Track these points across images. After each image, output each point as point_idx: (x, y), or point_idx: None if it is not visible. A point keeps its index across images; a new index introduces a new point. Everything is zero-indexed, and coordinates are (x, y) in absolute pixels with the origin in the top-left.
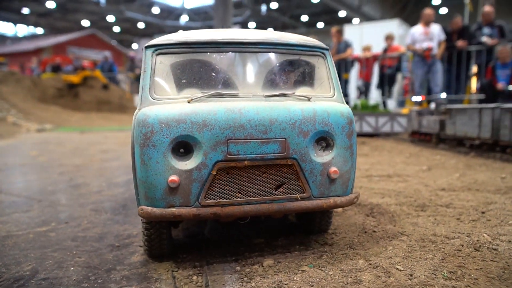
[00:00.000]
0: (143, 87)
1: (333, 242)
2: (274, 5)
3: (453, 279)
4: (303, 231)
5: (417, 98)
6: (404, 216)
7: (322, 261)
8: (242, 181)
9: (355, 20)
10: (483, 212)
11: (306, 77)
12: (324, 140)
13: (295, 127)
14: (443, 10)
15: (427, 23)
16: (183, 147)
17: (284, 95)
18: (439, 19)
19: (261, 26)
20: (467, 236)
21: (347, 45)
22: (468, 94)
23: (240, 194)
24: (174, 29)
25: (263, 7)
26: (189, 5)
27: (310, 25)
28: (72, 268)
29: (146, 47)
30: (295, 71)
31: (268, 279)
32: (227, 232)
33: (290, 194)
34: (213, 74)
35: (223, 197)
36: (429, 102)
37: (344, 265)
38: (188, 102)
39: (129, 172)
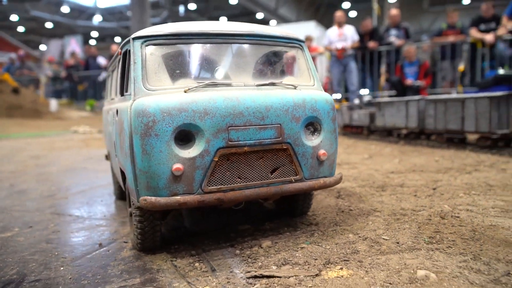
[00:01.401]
0: (135, 78)
1: (318, 222)
2: (192, 6)
3: (434, 243)
4: (285, 214)
5: (337, 96)
6: (370, 196)
7: (315, 238)
8: (241, 167)
9: (272, 22)
10: (434, 189)
11: (289, 67)
12: (312, 125)
13: (288, 113)
14: (353, 14)
15: (340, 25)
16: (183, 135)
17: (273, 84)
18: (349, 21)
19: None
20: (430, 208)
21: None
22: (380, 91)
23: (239, 179)
24: (87, 30)
25: (181, 8)
26: (102, 4)
27: None
28: (61, 268)
29: (134, 39)
30: (279, 62)
31: (271, 258)
32: (208, 222)
33: (285, 177)
34: (205, 64)
35: (224, 183)
36: (346, 99)
37: (337, 240)
38: (185, 91)
39: (75, 176)
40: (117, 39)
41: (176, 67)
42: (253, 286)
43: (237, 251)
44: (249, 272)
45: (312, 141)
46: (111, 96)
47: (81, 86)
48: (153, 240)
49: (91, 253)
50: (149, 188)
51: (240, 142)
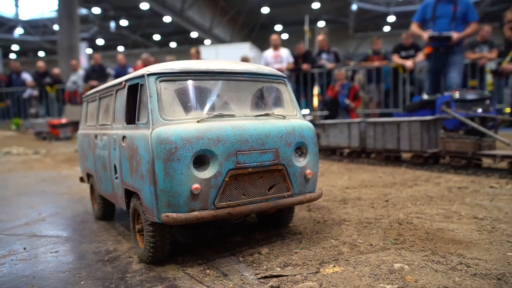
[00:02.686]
0: (153, 109)
1: (301, 231)
2: (124, 23)
3: (399, 243)
4: (269, 226)
5: None
6: (335, 208)
7: (304, 244)
8: (245, 185)
9: (207, 41)
10: (386, 201)
11: (275, 100)
12: (299, 149)
13: (283, 139)
14: (284, 36)
15: (275, 48)
16: (198, 159)
17: (267, 115)
18: (282, 44)
19: (110, 43)
20: (388, 216)
21: None
22: (314, 111)
23: (244, 196)
24: (7, 43)
25: (112, 24)
26: (24, 16)
27: (163, 44)
28: (82, 282)
29: (148, 75)
30: (270, 95)
31: (273, 262)
32: (199, 236)
33: (279, 193)
34: (211, 97)
35: (232, 199)
36: None
37: (323, 245)
38: (198, 122)
39: (38, 199)
40: (41, 53)
41: (187, 100)
42: (266, 285)
43: (240, 259)
44: (258, 274)
45: (300, 162)
46: (103, 122)
47: (3, 103)
48: (163, 252)
49: (101, 268)
50: (170, 205)
51: (246, 164)
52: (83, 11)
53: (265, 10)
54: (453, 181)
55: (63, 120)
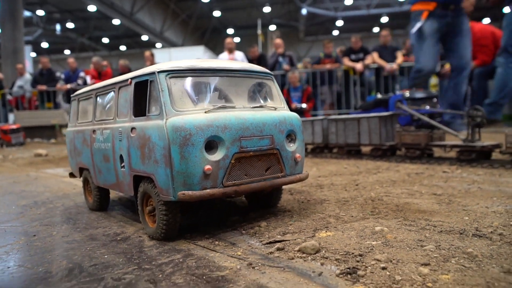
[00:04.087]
0: (165, 102)
1: (290, 209)
2: (70, 25)
3: (375, 214)
4: (258, 207)
5: None
6: (314, 192)
7: (295, 218)
8: (247, 167)
9: (158, 45)
10: (356, 185)
11: (267, 94)
12: (289, 136)
13: (277, 127)
14: (236, 40)
15: (230, 51)
16: (208, 144)
17: (261, 107)
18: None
19: (56, 47)
20: (361, 196)
21: None
22: None
23: (246, 176)
24: None
25: (58, 26)
26: None
27: (112, 47)
28: (105, 256)
29: (159, 72)
30: (262, 90)
31: (273, 232)
32: (199, 219)
33: (275, 174)
34: (214, 91)
35: (237, 179)
36: None
37: (312, 218)
38: (205, 112)
39: (22, 197)
40: None
41: (193, 94)
42: (273, 247)
43: (243, 231)
44: (262, 241)
45: (291, 147)
46: (103, 117)
47: None
48: (174, 229)
49: (117, 245)
50: (185, 185)
51: (247, 148)
52: (27, 13)
53: (216, 13)
54: (410, 168)
55: (15, 126)
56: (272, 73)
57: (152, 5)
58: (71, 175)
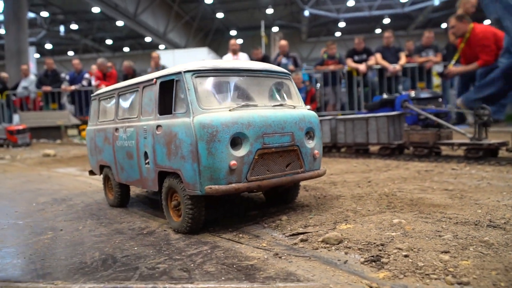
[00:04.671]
0: (192, 101)
1: (307, 204)
2: (74, 26)
3: (391, 208)
4: (276, 202)
5: None
6: (328, 188)
7: (315, 212)
8: (269, 163)
9: (161, 46)
10: (369, 182)
11: (286, 93)
12: (308, 134)
13: (297, 125)
14: (239, 41)
15: (234, 52)
16: (233, 141)
17: (282, 105)
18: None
19: (60, 48)
20: (375, 192)
21: None
22: None
23: (268, 172)
24: None
25: (62, 28)
26: None
27: (116, 49)
28: (135, 248)
29: (185, 72)
30: (281, 89)
31: (294, 225)
32: (219, 214)
33: (295, 170)
34: (237, 90)
35: (259, 174)
36: None
37: (330, 212)
38: (230, 110)
39: (38, 195)
40: None
41: (218, 92)
42: (296, 239)
43: (265, 225)
44: (285, 233)
45: (310, 144)
46: (126, 116)
47: None
48: (199, 223)
49: (144, 238)
50: (211, 179)
51: (270, 145)
52: (31, 14)
53: (219, 15)
54: (420, 166)
55: (21, 126)
56: (290, 73)
57: (156, 7)
58: (91, 172)
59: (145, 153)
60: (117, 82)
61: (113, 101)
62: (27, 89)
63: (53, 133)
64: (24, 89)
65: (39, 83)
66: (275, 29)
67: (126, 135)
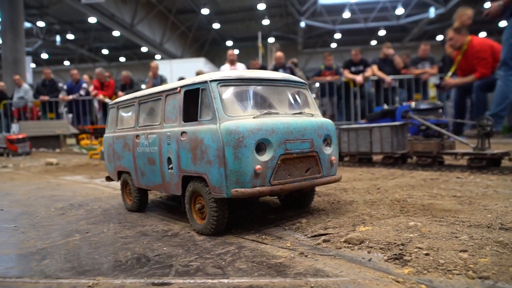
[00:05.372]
0: (218, 109)
1: (323, 209)
2: (70, 36)
3: (405, 213)
4: (293, 207)
5: None
6: (340, 194)
7: (332, 216)
8: (290, 168)
9: (157, 56)
10: (378, 189)
11: (304, 101)
12: (325, 140)
13: (316, 132)
14: (235, 52)
15: (232, 63)
16: (257, 147)
17: (301, 113)
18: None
19: (55, 58)
20: (387, 197)
21: (162, 80)
22: None
23: (289, 176)
24: None
25: (58, 38)
26: None
27: (112, 59)
28: (164, 248)
29: (211, 81)
30: (299, 98)
31: (314, 227)
32: (238, 218)
33: (314, 175)
34: (259, 99)
35: (282, 179)
36: None
37: (347, 215)
38: (254, 118)
39: (52, 202)
40: None
41: (242, 101)
42: (319, 239)
43: (285, 227)
44: (306, 234)
45: (327, 150)
46: (148, 123)
47: None
48: (223, 225)
49: (170, 240)
50: (237, 183)
51: (291, 150)
52: (27, 24)
53: (215, 26)
54: (424, 175)
55: (21, 135)
56: (306, 82)
57: (152, 17)
58: (108, 178)
59: (168, 159)
60: (115, 91)
61: (134, 109)
62: (23, 99)
63: (52, 142)
64: (20, 99)
65: (37, 92)
66: (271, 40)
67: (148, 141)
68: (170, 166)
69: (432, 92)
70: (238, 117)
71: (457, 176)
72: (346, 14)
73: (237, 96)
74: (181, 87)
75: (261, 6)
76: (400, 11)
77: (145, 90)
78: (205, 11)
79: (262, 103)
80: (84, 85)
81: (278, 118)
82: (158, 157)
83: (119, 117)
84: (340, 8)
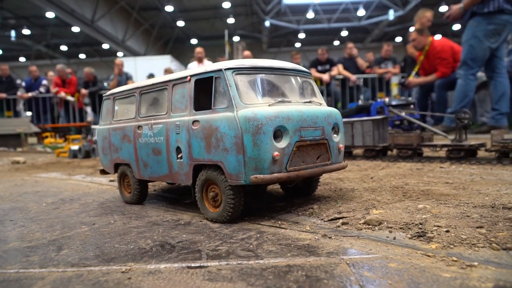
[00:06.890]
0: (234, 96)
1: (328, 196)
2: (26, 31)
3: (408, 197)
4: (298, 195)
5: None
6: (338, 184)
7: (342, 202)
8: (304, 155)
9: (120, 53)
10: (371, 178)
11: (311, 91)
12: (334, 129)
13: (326, 120)
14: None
15: (200, 60)
16: (274, 134)
17: (310, 102)
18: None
19: (10, 54)
20: (384, 185)
21: (128, 77)
22: None
23: (303, 163)
24: None
25: (13, 33)
26: None
27: (71, 55)
28: (184, 235)
29: (226, 69)
30: (307, 87)
31: (328, 212)
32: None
33: (324, 162)
34: (273, 87)
35: (296, 165)
36: None
37: (355, 201)
38: (269, 105)
39: (47, 195)
40: None
41: (256, 89)
42: (337, 222)
43: (298, 213)
44: (322, 219)
45: (336, 138)
46: (152, 113)
47: None
48: (239, 212)
49: (186, 227)
50: (256, 169)
51: (306, 138)
52: None
53: (180, 23)
54: (408, 165)
55: None
56: (310, 73)
57: (114, 13)
58: (102, 172)
59: (177, 148)
60: (77, 88)
61: (133, 100)
62: None
63: (12, 141)
64: None
65: None
66: (236, 38)
67: (153, 132)
68: (180, 156)
69: (395, 90)
70: (253, 105)
71: (440, 166)
72: (310, 15)
73: (251, 84)
74: (191, 76)
75: (226, 5)
76: (361, 12)
77: (148, 80)
78: (169, 8)
79: (275, 92)
80: (44, 82)
81: (292, 106)
82: (165, 147)
83: (116, 109)
84: (304, 8)
